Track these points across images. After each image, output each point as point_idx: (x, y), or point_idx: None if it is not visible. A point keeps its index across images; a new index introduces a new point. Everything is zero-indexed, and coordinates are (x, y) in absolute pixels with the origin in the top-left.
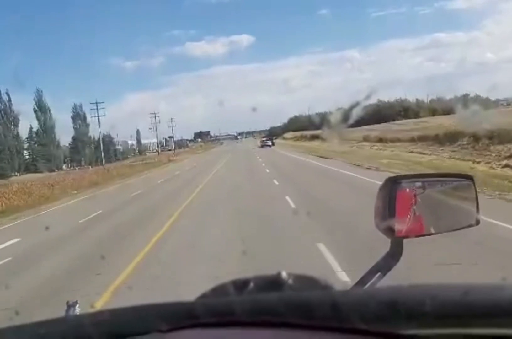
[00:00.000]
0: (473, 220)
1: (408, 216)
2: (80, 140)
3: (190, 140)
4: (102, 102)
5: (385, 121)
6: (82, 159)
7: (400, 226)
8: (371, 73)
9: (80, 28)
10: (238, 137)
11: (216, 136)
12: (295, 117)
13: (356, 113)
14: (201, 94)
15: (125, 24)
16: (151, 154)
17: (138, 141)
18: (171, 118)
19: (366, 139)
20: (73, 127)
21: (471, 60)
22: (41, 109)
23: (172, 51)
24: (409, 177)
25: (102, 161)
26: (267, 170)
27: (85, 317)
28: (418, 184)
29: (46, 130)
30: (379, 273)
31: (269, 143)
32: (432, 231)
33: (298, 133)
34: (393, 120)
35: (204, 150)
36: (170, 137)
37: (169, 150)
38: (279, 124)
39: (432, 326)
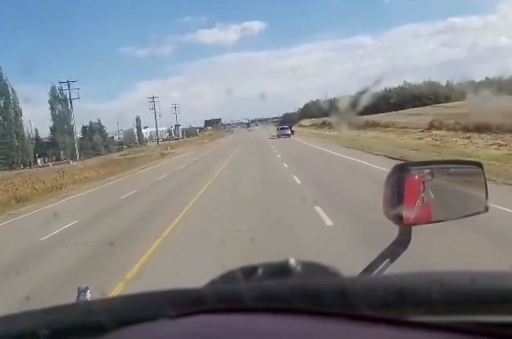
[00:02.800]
0: (482, 207)
1: (417, 203)
2: (59, 129)
3: (201, 128)
4: (75, 81)
5: (414, 105)
6: (62, 152)
7: (408, 213)
8: (384, 59)
9: (89, 16)
10: (250, 124)
11: (227, 123)
12: (312, 102)
13: (381, 97)
14: (212, 82)
15: (135, 11)
16: (152, 144)
17: (139, 129)
18: (175, 105)
19: (435, 126)
20: (52, 114)
21: (486, 45)
22: None
23: (184, 38)
24: (418, 164)
25: (86, 154)
26: (318, 211)
27: (95, 303)
28: (427, 171)
29: (6, 118)
30: (387, 260)
31: (288, 132)
32: (441, 218)
33: (318, 120)
34: (424, 104)
35: (211, 140)
36: (177, 125)
37: (176, 139)
38: (293, 111)
39: (440, 313)
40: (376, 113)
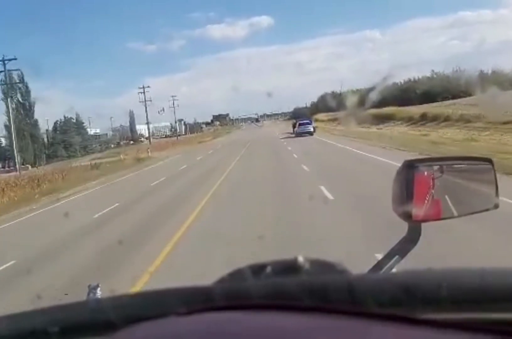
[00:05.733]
0: (491, 204)
1: (426, 200)
2: (16, 128)
3: (208, 123)
4: (14, 59)
5: (445, 97)
6: (18, 155)
7: (417, 210)
8: (394, 53)
9: (97, 11)
10: (259, 119)
11: (236, 118)
12: (328, 95)
13: (405, 88)
14: (221, 77)
15: (144, 7)
16: (148, 141)
17: (132, 125)
18: (173, 97)
19: None
20: (7, 107)
21: (497, 39)
22: None
23: (192, 34)
24: (427, 161)
25: (56, 156)
26: None
27: (105, 300)
28: (436, 167)
29: None
30: (396, 257)
31: (310, 128)
32: (450, 215)
33: (340, 114)
34: (454, 96)
35: (214, 137)
36: (180, 120)
37: (177, 135)
38: (303, 105)
39: (448, 310)
40: (400, 105)
